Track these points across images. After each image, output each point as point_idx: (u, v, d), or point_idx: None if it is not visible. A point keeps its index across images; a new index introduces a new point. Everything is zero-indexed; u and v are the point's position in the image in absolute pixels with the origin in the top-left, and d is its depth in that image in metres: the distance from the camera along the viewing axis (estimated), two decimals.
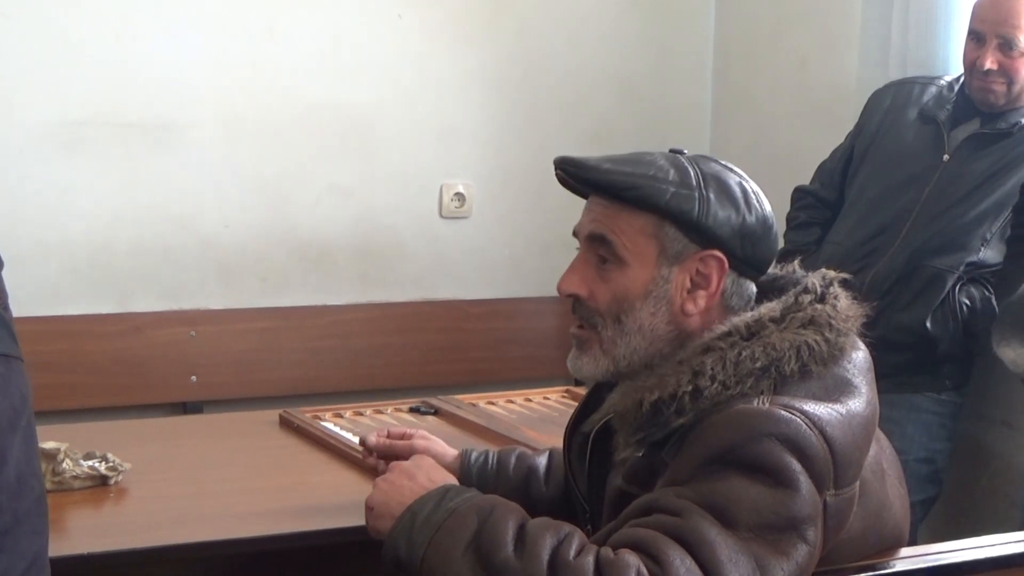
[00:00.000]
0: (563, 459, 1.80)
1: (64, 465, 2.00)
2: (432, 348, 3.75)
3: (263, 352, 3.56)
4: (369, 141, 3.66)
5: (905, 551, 1.65)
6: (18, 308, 1.33)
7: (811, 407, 1.47)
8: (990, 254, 2.88)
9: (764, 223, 1.61)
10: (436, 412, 2.60)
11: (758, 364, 1.50)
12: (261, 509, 1.99)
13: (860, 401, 1.53)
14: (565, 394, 2.78)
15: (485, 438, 2.40)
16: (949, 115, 2.95)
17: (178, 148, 3.45)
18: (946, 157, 2.91)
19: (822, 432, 1.45)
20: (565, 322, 1.77)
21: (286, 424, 2.49)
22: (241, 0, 3.47)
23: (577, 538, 1.44)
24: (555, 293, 1.66)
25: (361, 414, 2.58)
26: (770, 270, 1.67)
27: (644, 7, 3.93)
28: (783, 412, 1.45)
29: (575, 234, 1.65)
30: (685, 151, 1.64)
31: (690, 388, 1.49)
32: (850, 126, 3.19)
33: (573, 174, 1.63)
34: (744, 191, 1.60)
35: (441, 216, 3.78)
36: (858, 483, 1.52)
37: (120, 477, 2.06)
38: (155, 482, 2.09)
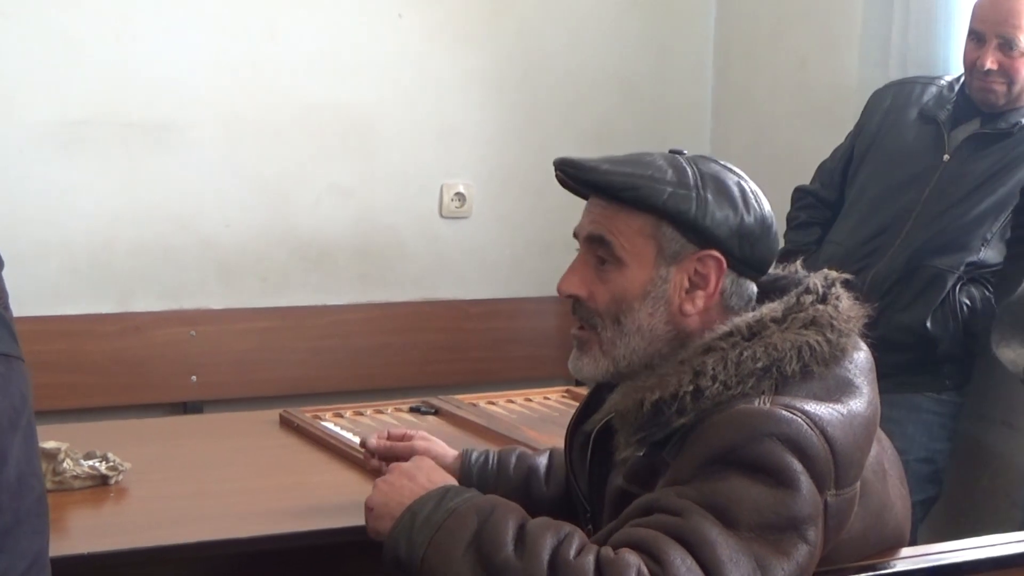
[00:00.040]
0: (564, 458, 1.80)
1: (64, 465, 2.00)
2: (432, 348, 3.75)
3: (263, 352, 3.56)
4: (369, 141, 3.66)
5: (905, 551, 1.65)
6: (18, 308, 1.33)
7: (812, 407, 1.47)
8: (990, 254, 2.88)
9: (763, 223, 1.61)
10: (436, 412, 2.60)
11: (759, 364, 1.50)
12: (261, 509, 1.99)
13: (861, 401, 1.53)
14: (565, 394, 2.78)
15: (485, 438, 2.40)
16: (949, 115, 2.95)
17: (178, 148, 3.45)
18: (946, 157, 2.91)
19: (823, 432, 1.45)
20: (565, 322, 1.77)
21: (286, 424, 2.49)
22: (241, 0, 3.47)
23: (577, 538, 1.44)
24: (555, 293, 1.67)
25: (361, 414, 2.58)
26: (772, 270, 1.67)
27: (644, 7, 3.93)
28: (784, 412, 1.45)
29: (575, 235, 1.65)
30: (685, 151, 1.64)
31: (691, 388, 1.50)
32: (850, 126, 3.19)
33: (572, 175, 1.63)
34: (743, 191, 1.60)
35: (441, 216, 3.78)
36: (859, 483, 1.52)
37: (120, 477, 2.06)
38: (155, 482, 2.09)
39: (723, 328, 1.56)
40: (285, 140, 3.56)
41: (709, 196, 1.57)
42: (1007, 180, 2.85)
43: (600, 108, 3.91)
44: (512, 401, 2.71)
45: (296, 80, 3.55)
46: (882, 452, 1.63)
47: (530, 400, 2.73)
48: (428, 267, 3.78)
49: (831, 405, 1.49)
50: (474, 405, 2.65)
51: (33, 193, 3.31)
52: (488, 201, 3.82)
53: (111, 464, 2.05)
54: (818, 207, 3.15)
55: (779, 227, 1.69)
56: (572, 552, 1.40)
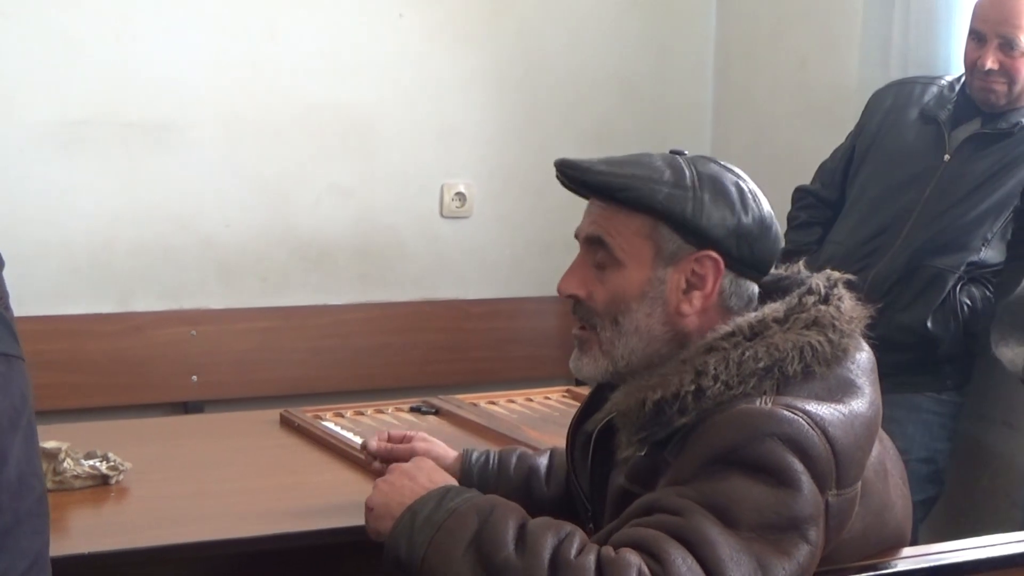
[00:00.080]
0: (566, 457, 1.81)
1: (65, 464, 2.00)
2: (433, 348, 3.75)
3: (264, 352, 3.56)
4: (369, 141, 3.66)
5: (906, 551, 1.65)
6: (19, 308, 1.32)
7: (814, 407, 1.47)
8: (991, 254, 2.88)
9: (761, 224, 1.60)
10: (437, 412, 2.60)
11: (761, 364, 1.50)
12: (262, 509, 1.99)
13: (863, 402, 1.53)
14: (566, 394, 2.78)
15: (486, 438, 2.40)
16: (950, 115, 2.95)
17: (178, 148, 3.45)
18: (947, 157, 2.91)
19: (824, 432, 1.45)
20: (566, 322, 1.77)
21: (287, 424, 2.49)
22: (241, 0, 3.47)
23: (578, 537, 1.44)
24: (556, 293, 1.67)
25: (362, 414, 2.58)
26: (775, 270, 1.67)
27: (644, 7, 3.93)
28: (785, 412, 1.45)
29: (576, 236, 1.66)
30: (686, 152, 1.64)
31: (693, 388, 1.50)
32: (851, 126, 3.19)
33: (570, 176, 1.63)
34: (741, 191, 1.60)
35: (442, 216, 3.78)
36: (860, 483, 1.52)
37: (121, 477, 2.06)
38: (156, 482, 2.09)
39: (725, 328, 1.56)
40: (285, 140, 3.56)
41: (706, 196, 1.57)
42: (1007, 180, 2.85)
43: (600, 108, 3.91)
44: (513, 401, 2.71)
45: (296, 80, 3.55)
46: (884, 452, 1.63)
47: (531, 400, 2.73)
48: (428, 267, 3.78)
49: (832, 405, 1.49)
50: (475, 405, 2.65)
51: (33, 193, 3.31)
52: (488, 201, 3.82)
53: (111, 464, 2.05)
54: (819, 207, 3.15)
55: (780, 227, 1.69)
56: (573, 552, 1.40)
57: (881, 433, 1.62)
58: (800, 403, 1.47)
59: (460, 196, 3.78)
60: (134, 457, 2.11)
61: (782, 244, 1.66)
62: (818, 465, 1.44)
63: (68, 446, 2.03)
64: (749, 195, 1.61)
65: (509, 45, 3.79)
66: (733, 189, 1.59)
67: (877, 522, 1.59)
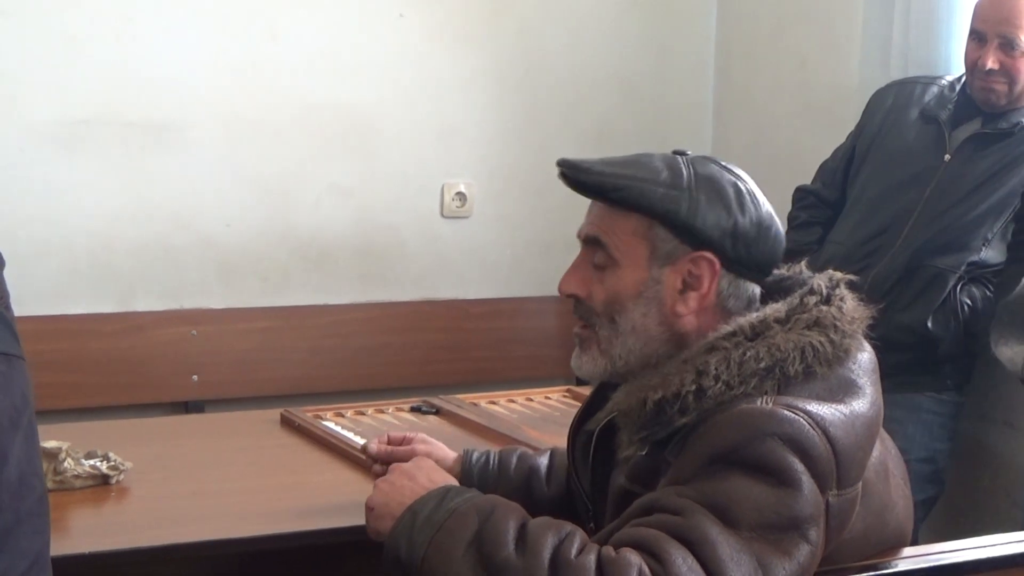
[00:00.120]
0: (567, 457, 1.81)
1: (66, 464, 2.01)
2: (433, 348, 3.75)
3: (264, 352, 3.56)
4: (370, 141, 3.66)
5: (906, 551, 1.65)
6: (19, 307, 1.33)
7: (814, 407, 1.47)
8: (991, 254, 2.88)
9: (759, 225, 1.60)
10: (437, 412, 2.60)
11: (762, 364, 1.50)
12: (262, 509, 1.99)
13: (864, 402, 1.53)
14: (566, 394, 2.78)
15: (486, 438, 2.40)
16: (950, 115, 2.95)
17: (179, 148, 3.44)
18: (947, 157, 2.91)
19: (825, 432, 1.45)
20: (566, 322, 1.77)
21: (287, 423, 2.49)
22: (241, 0, 3.47)
23: (578, 537, 1.44)
24: (556, 293, 1.67)
25: (363, 413, 2.58)
26: (777, 271, 1.67)
27: (645, 7, 3.93)
28: (786, 412, 1.45)
29: (578, 236, 1.66)
30: (689, 152, 1.64)
31: (694, 387, 1.50)
32: (851, 126, 3.19)
33: (570, 176, 1.64)
34: (739, 192, 1.60)
35: (442, 216, 3.78)
36: (861, 483, 1.52)
37: (121, 476, 2.06)
38: (156, 481, 2.09)
39: (726, 328, 1.56)
40: (285, 140, 3.56)
41: (701, 197, 1.57)
42: (1008, 180, 2.85)
43: (601, 108, 3.91)
44: (513, 401, 2.71)
45: (296, 80, 3.55)
46: (886, 452, 1.63)
47: (531, 400, 2.73)
48: (429, 267, 3.78)
49: (833, 405, 1.49)
50: (475, 405, 2.65)
51: (34, 193, 3.31)
52: (489, 201, 3.82)
53: (112, 464, 2.05)
54: (819, 207, 3.15)
55: (782, 228, 1.68)
56: (573, 551, 1.40)
57: (883, 433, 1.62)
58: (801, 403, 1.47)
59: (460, 196, 3.78)
60: (135, 457, 2.11)
61: (784, 246, 1.66)
62: (819, 465, 1.44)
63: (69, 446, 2.03)
64: (747, 196, 1.60)
65: (509, 45, 3.79)
66: (730, 190, 1.59)
67: (878, 522, 1.59)
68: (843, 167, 3.14)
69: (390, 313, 3.71)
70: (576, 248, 1.67)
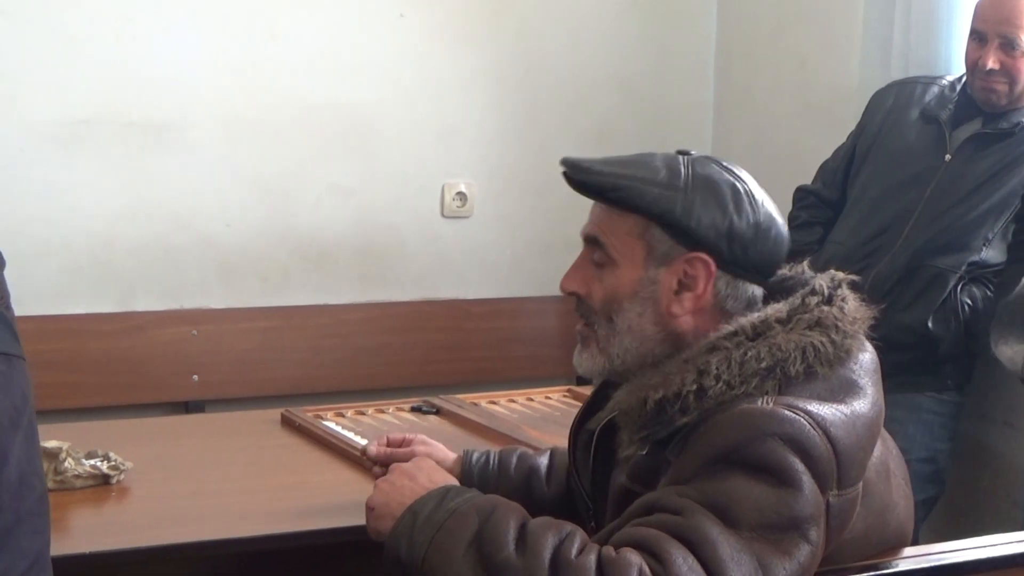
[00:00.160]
0: (568, 455, 1.81)
1: (66, 464, 2.00)
2: (433, 347, 3.75)
3: (264, 351, 3.56)
4: (370, 141, 3.66)
5: (907, 551, 1.65)
6: (20, 307, 1.32)
7: (815, 407, 1.47)
8: (992, 254, 2.88)
9: (757, 227, 1.59)
10: (438, 411, 2.60)
11: (763, 364, 1.50)
12: (262, 508, 1.99)
13: (865, 402, 1.53)
14: (567, 393, 2.78)
15: (487, 438, 2.40)
16: (951, 115, 2.95)
17: (179, 148, 3.45)
18: (948, 157, 2.91)
19: (826, 432, 1.45)
20: (567, 322, 1.78)
21: (288, 423, 2.49)
22: (241, 0, 3.47)
23: (579, 537, 1.44)
24: (557, 293, 1.68)
25: (363, 413, 2.58)
26: (779, 271, 1.67)
27: (645, 7, 3.93)
28: (787, 412, 1.45)
29: (581, 235, 1.67)
30: (693, 152, 1.64)
31: (694, 387, 1.50)
32: (852, 126, 3.19)
33: (570, 175, 1.64)
34: (736, 194, 1.59)
35: (443, 215, 3.78)
36: (861, 483, 1.52)
37: (122, 476, 2.06)
38: (157, 481, 2.09)
39: (728, 328, 1.56)
40: (286, 140, 3.56)
41: (696, 198, 1.57)
42: (1008, 180, 2.85)
43: (601, 108, 3.91)
44: (513, 401, 2.71)
45: (297, 80, 3.55)
46: (887, 452, 1.63)
47: (531, 400, 2.73)
48: (429, 267, 3.78)
49: (834, 405, 1.49)
50: (475, 405, 2.65)
51: (34, 193, 3.31)
52: (489, 201, 3.82)
53: (112, 463, 2.05)
54: (820, 207, 3.15)
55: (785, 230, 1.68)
56: (574, 551, 1.40)
57: (884, 433, 1.62)
58: (802, 403, 1.47)
59: (461, 196, 3.78)
60: (135, 457, 2.11)
61: (786, 247, 1.65)
62: (819, 465, 1.43)
63: (69, 445, 2.03)
64: (745, 197, 1.60)
65: (509, 45, 3.79)
66: (727, 191, 1.59)
67: (879, 522, 1.59)
68: (843, 167, 3.14)
69: (390, 313, 3.71)
70: (576, 248, 1.68)
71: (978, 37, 2.85)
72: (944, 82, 3.05)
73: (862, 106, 3.19)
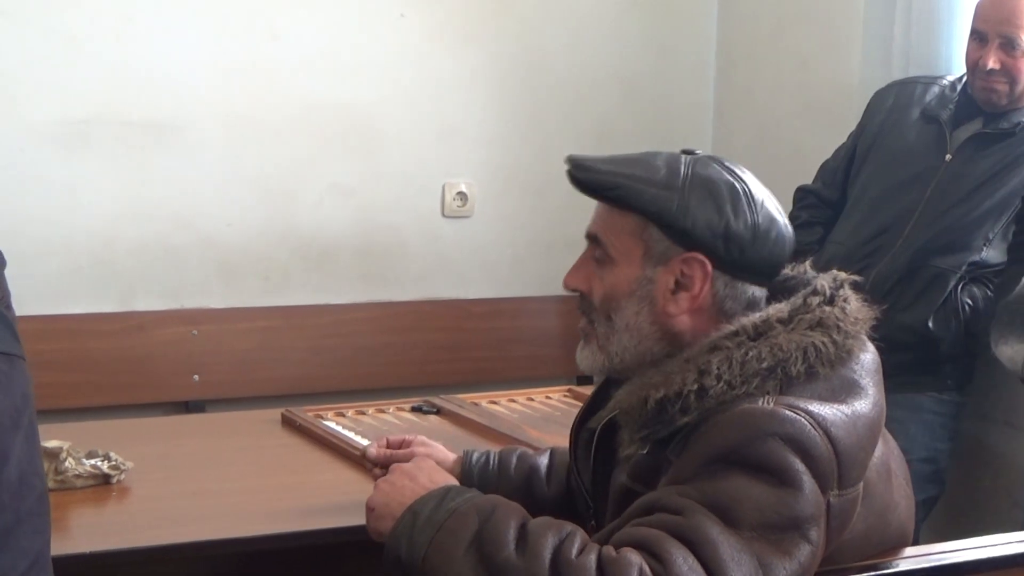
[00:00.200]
0: (569, 455, 1.81)
1: (66, 464, 2.01)
2: (434, 347, 3.74)
3: (265, 351, 3.56)
4: (371, 140, 3.66)
5: (907, 551, 1.65)
6: (20, 307, 1.33)
7: (816, 407, 1.47)
8: (992, 254, 2.88)
9: (755, 228, 1.59)
10: (438, 411, 2.60)
11: (764, 364, 1.50)
12: (263, 508, 1.99)
13: (866, 402, 1.53)
14: (567, 393, 2.78)
15: (487, 437, 2.40)
16: (951, 115, 2.95)
17: (180, 147, 3.44)
18: (948, 157, 2.91)
19: (826, 432, 1.45)
20: (567, 321, 1.78)
21: (288, 423, 2.49)
22: (242, 0, 3.47)
23: (579, 537, 1.44)
24: (557, 292, 1.69)
25: (363, 413, 2.58)
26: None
27: (645, 7, 3.93)
28: (788, 412, 1.45)
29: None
30: (697, 152, 1.64)
31: (695, 387, 1.50)
32: (852, 126, 3.19)
33: (572, 174, 1.64)
34: (735, 194, 1.59)
35: (443, 215, 3.78)
36: (862, 484, 1.52)
37: (122, 476, 2.06)
38: (157, 481, 2.09)
39: (729, 327, 1.55)
40: (286, 139, 3.56)
41: (692, 198, 1.57)
42: (1009, 180, 2.85)
43: (601, 108, 3.91)
44: (514, 400, 2.71)
45: (297, 79, 3.55)
46: (888, 452, 1.63)
47: (532, 399, 2.73)
48: (430, 266, 3.78)
49: (835, 406, 1.49)
50: (476, 404, 2.65)
51: (35, 192, 3.31)
52: (490, 200, 3.82)
53: (113, 463, 2.05)
54: (820, 207, 3.15)
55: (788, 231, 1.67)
56: (574, 551, 1.40)
57: (885, 433, 1.62)
58: (802, 403, 1.47)
59: (461, 195, 3.78)
60: (135, 456, 2.11)
61: (789, 248, 1.65)
62: (820, 465, 1.43)
63: (69, 445, 2.03)
64: (744, 198, 1.59)
65: (510, 45, 3.79)
66: (726, 192, 1.58)
67: (880, 522, 1.58)
68: (844, 167, 3.14)
69: (391, 313, 3.71)
70: (577, 247, 1.68)
71: (978, 37, 2.85)
72: (945, 82, 3.05)
73: (863, 106, 3.19)
